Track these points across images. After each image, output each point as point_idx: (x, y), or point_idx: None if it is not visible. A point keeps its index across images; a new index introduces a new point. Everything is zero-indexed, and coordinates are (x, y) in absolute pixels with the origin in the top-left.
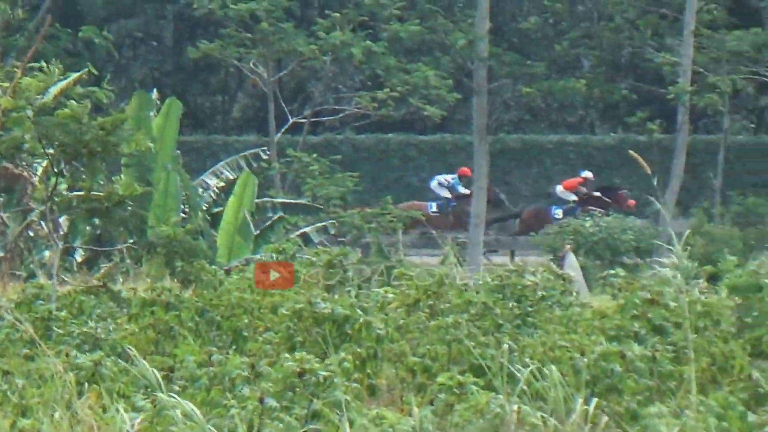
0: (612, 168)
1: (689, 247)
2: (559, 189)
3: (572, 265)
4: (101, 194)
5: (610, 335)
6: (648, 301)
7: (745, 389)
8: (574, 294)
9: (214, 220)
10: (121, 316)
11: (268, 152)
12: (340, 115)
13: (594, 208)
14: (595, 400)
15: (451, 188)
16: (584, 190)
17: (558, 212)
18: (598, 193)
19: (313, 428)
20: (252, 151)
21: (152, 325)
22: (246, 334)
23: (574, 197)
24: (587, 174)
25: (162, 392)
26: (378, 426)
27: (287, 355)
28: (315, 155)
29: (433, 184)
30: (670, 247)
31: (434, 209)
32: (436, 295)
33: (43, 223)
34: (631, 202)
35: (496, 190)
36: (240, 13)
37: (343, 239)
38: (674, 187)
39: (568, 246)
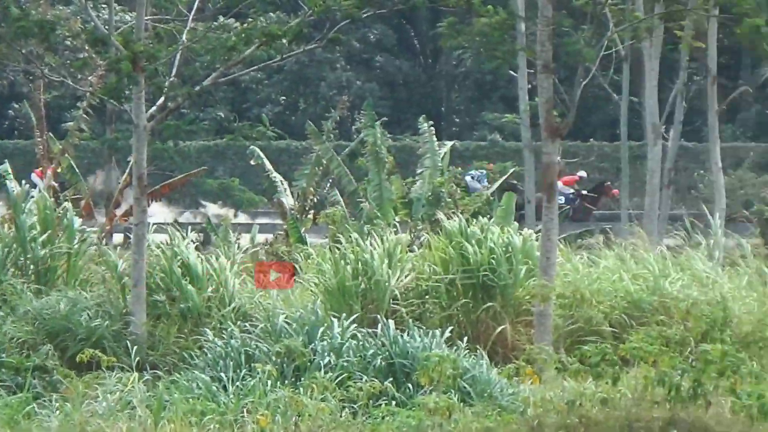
0: None
1: None
2: (559, 184)
3: None
4: None
5: None
6: None
7: None
8: None
9: None
10: None
11: None
12: None
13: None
14: None
15: (480, 181)
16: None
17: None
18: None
19: None
20: None
21: None
22: None
23: (571, 190)
24: (582, 173)
25: None
26: None
27: None
28: None
29: (468, 178)
30: None
31: None
32: None
33: None
34: (615, 191)
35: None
36: None
37: None
38: None
39: None
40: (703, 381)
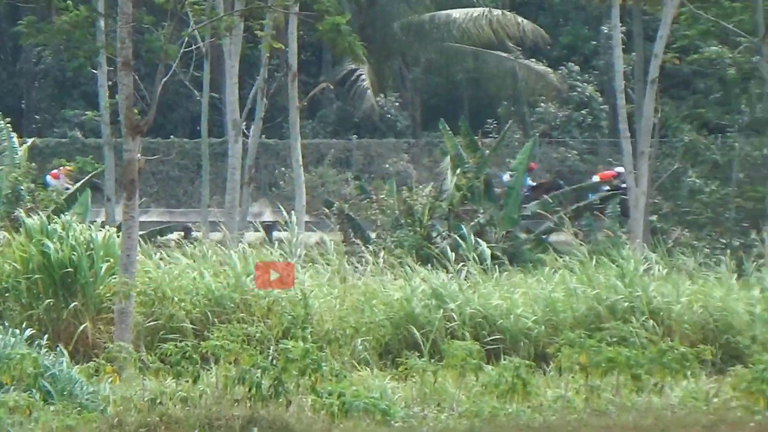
0: None
1: None
2: (595, 178)
3: None
4: None
5: None
6: None
7: None
8: None
9: None
10: None
11: None
12: None
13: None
14: None
15: None
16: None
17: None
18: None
19: None
20: None
21: None
22: None
23: (607, 186)
24: (620, 168)
25: None
26: None
27: None
28: None
29: (505, 177)
30: None
31: None
32: None
33: None
34: None
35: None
36: None
37: None
38: None
39: None
40: (284, 379)
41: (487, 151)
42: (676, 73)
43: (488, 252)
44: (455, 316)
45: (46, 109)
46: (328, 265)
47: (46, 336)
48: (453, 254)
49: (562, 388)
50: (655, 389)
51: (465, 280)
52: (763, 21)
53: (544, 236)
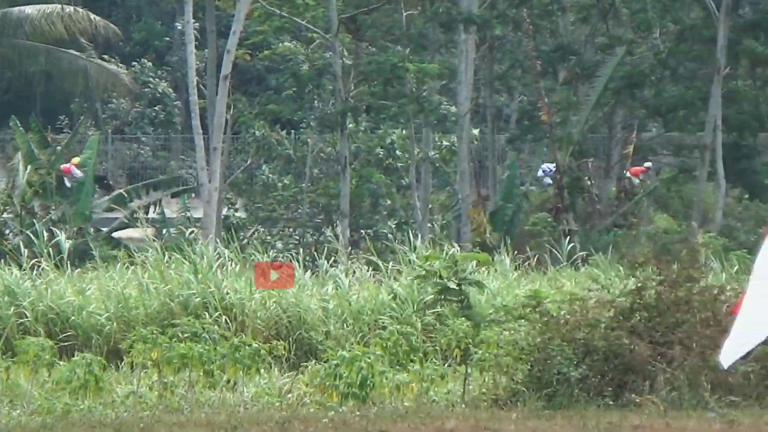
0: None
1: None
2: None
3: None
4: None
5: None
6: None
7: None
8: None
9: None
10: None
11: None
12: None
13: None
14: None
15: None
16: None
17: None
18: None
19: None
20: None
21: None
22: None
23: (638, 181)
24: (648, 164)
25: None
26: None
27: None
28: None
29: (539, 173)
30: None
31: None
32: None
33: None
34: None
35: None
36: None
37: None
38: None
39: None
40: None
41: (59, 147)
42: (250, 69)
43: (66, 246)
44: (28, 313)
45: None
46: None
47: None
48: (26, 251)
49: (134, 385)
50: (229, 385)
51: (38, 276)
52: (336, 17)
53: (115, 232)
